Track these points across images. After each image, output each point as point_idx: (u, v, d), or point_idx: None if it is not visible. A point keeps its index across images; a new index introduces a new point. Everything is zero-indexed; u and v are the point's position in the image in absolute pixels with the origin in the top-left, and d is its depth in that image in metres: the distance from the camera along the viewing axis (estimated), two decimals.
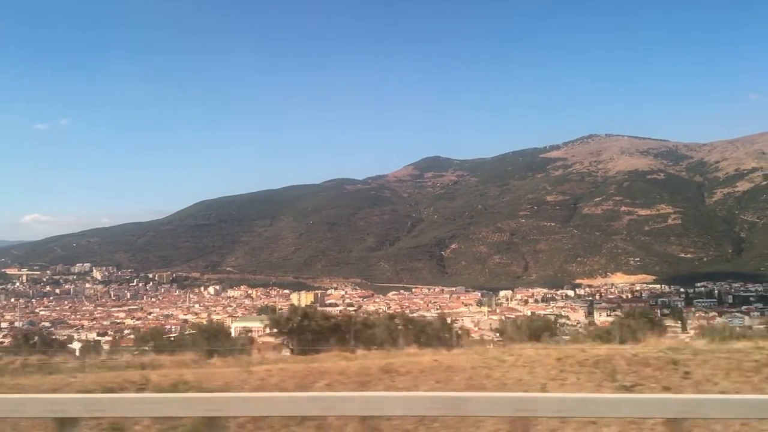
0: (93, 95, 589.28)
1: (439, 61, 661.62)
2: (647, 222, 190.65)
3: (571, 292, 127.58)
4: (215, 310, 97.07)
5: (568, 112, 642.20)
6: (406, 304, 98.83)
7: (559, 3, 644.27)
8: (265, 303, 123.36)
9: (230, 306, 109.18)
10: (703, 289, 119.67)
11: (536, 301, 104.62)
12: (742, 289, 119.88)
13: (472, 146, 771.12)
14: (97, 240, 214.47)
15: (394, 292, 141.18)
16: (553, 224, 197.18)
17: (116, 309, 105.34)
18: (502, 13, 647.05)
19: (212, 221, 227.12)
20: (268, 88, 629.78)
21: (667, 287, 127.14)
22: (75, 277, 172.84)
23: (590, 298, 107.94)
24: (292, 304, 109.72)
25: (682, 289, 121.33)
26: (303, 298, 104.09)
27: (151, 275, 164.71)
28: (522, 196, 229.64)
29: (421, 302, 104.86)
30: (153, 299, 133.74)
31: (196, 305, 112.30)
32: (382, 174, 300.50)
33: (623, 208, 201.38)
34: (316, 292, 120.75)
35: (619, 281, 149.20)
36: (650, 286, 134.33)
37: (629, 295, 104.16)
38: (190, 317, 79.38)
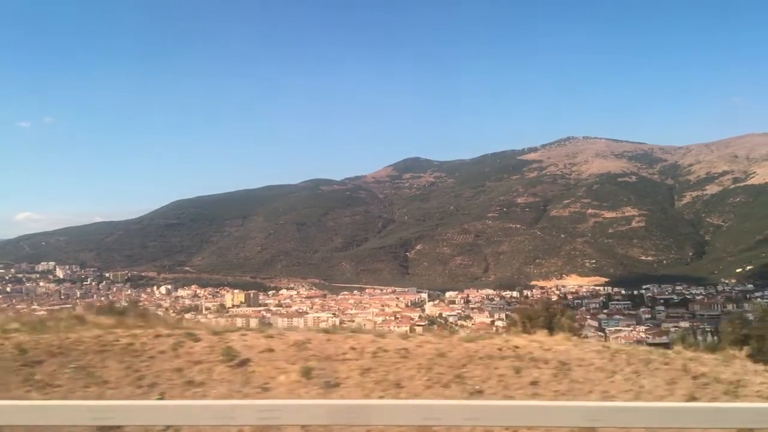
0: (78, 94, 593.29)
1: (433, 63, 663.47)
2: (612, 224, 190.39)
3: (516, 294, 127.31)
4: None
5: (549, 114, 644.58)
6: (332, 305, 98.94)
7: (541, 8, 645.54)
8: (212, 303, 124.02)
9: (165, 306, 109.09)
10: (644, 291, 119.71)
11: (466, 302, 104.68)
12: (685, 291, 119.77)
13: (454, 148, 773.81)
14: (65, 239, 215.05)
15: (345, 293, 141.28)
16: (518, 226, 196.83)
17: (49, 308, 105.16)
18: (486, 18, 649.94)
19: (183, 221, 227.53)
20: (262, 89, 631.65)
21: (611, 289, 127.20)
22: (38, 275, 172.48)
23: (526, 299, 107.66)
24: (221, 305, 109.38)
25: (623, 291, 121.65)
26: (235, 298, 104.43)
27: (106, 274, 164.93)
28: (494, 198, 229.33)
29: (351, 302, 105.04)
30: (102, 298, 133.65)
31: None
32: (360, 174, 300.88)
33: (590, 211, 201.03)
34: (248, 292, 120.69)
35: (573, 283, 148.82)
36: (598, 288, 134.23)
37: (554, 297, 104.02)
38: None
